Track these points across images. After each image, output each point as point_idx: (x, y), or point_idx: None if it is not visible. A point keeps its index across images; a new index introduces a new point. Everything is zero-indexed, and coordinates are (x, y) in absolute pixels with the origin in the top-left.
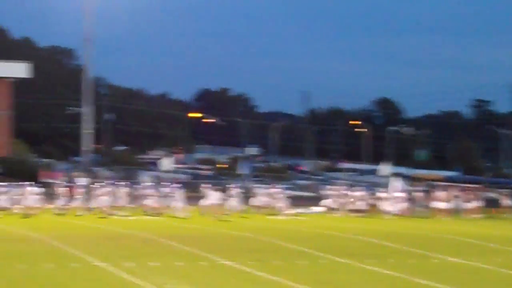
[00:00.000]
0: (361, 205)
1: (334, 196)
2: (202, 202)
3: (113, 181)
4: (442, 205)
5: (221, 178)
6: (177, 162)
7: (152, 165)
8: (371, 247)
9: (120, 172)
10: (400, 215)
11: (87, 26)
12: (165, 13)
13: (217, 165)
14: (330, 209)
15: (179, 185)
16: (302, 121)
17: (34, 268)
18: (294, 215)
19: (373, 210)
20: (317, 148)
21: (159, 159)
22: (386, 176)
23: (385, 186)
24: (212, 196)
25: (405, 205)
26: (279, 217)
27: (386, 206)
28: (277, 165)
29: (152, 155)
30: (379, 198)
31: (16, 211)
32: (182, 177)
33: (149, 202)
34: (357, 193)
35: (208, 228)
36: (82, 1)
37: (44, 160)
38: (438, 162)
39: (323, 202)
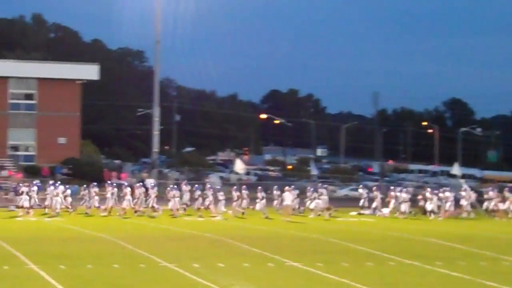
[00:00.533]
0: (431, 206)
1: (404, 198)
2: (276, 203)
3: (182, 183)
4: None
5: (289, 179)
6: (245, 163)
7: (221, 166)
8: (441, 249)
9: (188, 174)
10: (465, 217)
11: (157, 28)
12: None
13: (286, 166)
14: (398, 211)
15: (244, 187)
16: (371, 122)
17: (104, 268)
18: (362, 216)
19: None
20: (385, 149)
21: (228, 160)
22: (457, 177)
23: (454, 187)
24: (285, 198)
25: (468, 207)
26: (349, 219)
27: (451, 207)
28: (346, 166)
29: (220, 156)
30: (446, 200)
31: (83, 211)
32: (253, 178)
33: (207, 203)
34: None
35: (275, 229)
36: (152, 3)
37: (114, 161)
38: (509, 163)
39: (391, 204)
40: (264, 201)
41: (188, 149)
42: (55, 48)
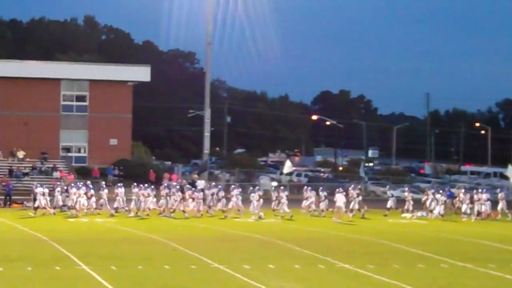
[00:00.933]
0: (484, 208)
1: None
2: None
3: (232, 184)
4: None
5: (340, 181)
6: (295, 164)
7: (272, 167)
8: (494, 252)
9: (239, 175)
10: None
11: (208, 30)
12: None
13: (337, 168)
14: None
15: (282, 188)
16: (423, 123)
17: (154, 269)
18: (415, 218)
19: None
20: (438, 151)
21: (278, 161)
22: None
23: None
24: (337, 199)
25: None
26: (400, 220)
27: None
28: (397, 167)
29: (272, 157)
30: (498, 201)
31: (132, 212)
32: (303, 180)
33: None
34: (482, 196)
35: (326, 231)
36: (203, 5)
37: (164, 162)
38: None
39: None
40: (312, 200)
41: (239, 150)
42: (107, 50)
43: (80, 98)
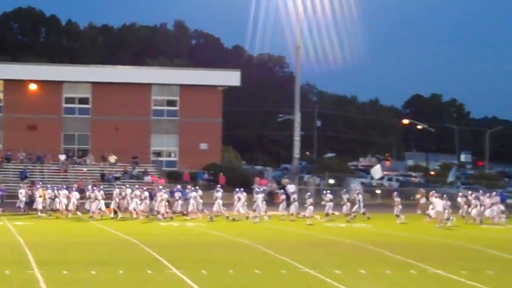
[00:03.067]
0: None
1: None
2: (429, 210)
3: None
4: None
5: (432, 185)
6: (386, 169)
7: (362, 172)
8: None
9: (330, 179)
10: None
11: (298, 34)
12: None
13: (429, 172)
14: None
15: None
16: None
17: (245, 273)
18: (509, 223)
19: None
20: None
21: (369, 166)
22: None
23: None
24: (435, 204)
25: None
26: (494, 226)
27: None
28: (490, 172)
29: (362, 162)
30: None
31: (226, 215)
32: (395, 184)
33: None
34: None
35: (419, 236)
36: (293, 9)
37: (254, 167)
38: None
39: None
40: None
41: (329, 154)
42: (197, 54)
43: (170, 103)
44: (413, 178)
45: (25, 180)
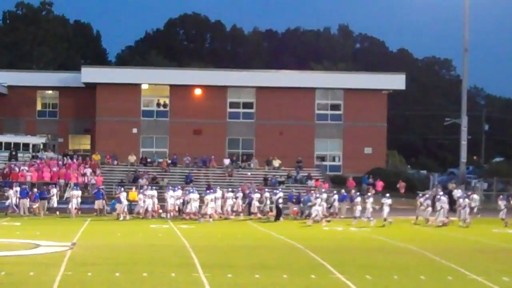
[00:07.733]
0: None
1: None
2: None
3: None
4: None
5: None
6: None
7: None
8: None
9: (497, 185)
10: None
11: (465, 36)
12: None
13: None
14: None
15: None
16: None
17: (410, 279)
18: None
19: None
20: None
21: None
22: None
23: None
24: None
25: None
26: None
27: None
28: None
29: None
30: None
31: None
32: None
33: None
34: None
35: None
36: (460, 11)
37: (420, 171)
38: None
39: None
40: None
41: (498, 159)
42: (361, 58)
43: (334, 107)
44: None
45: (190, 184)
